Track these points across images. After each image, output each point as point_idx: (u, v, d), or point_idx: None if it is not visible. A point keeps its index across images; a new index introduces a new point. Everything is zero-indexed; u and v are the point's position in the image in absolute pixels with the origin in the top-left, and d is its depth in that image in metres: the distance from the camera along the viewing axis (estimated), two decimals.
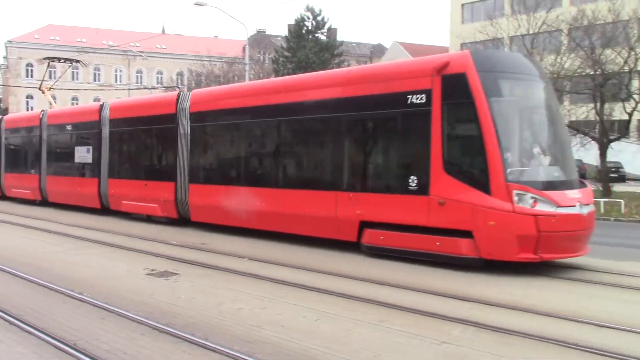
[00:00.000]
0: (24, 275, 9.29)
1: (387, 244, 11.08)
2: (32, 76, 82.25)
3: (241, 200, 14.04)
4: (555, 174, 10.48)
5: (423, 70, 10.76)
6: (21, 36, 70.72)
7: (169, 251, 11.79)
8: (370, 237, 11.36)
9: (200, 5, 32.64)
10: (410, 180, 10.70)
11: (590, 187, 11.31)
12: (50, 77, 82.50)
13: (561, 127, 11.61)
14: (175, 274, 9.59)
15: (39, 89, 31.51)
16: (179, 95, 16.54)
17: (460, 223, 10.01)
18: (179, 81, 70.23)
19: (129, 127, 18.33)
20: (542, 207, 9.55)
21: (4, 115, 28.24)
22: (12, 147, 25.44)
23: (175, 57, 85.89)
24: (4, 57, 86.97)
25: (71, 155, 20.45)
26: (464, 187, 10.02)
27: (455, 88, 10.24)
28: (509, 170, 9.69)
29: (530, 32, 29.93)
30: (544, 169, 10.33)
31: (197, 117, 15.61)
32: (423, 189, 10.47)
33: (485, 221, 9.73)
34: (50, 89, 30.60)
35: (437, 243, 10.27)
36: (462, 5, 55.47)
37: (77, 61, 32.84)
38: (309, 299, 7.93)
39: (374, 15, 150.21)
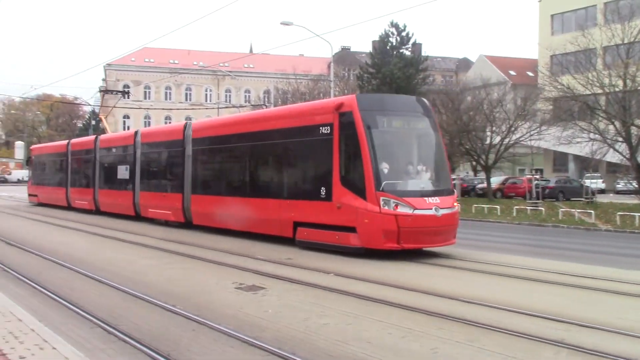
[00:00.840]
0: (120, 287, 9.74)
1: (310, 239, 14.46)
2: (128, 97, 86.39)
3: (222, 207, 18.16)
4: (419, 185, 13.72)
5: (328, 108, 14.36)
6: (119, 59, 74.43)
7: (256, 266, 12.02)
8: (300, 233, 14.75)
9: (286, 24, 33.35)
10: (321, 190, 14.10)
11: (453, 196, 14.18)
12: (145, 98, 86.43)
13: (435, 150, 14.53)
14: (263, 288, 9.77)
15: (98, 117, 38.69)
16: (185, 125, 21.22)
17: (349, 221, 13.32)
18: (266, 99, 71.71)
19: (153, 150, 23.15)
20: (402, 210, 12.72)
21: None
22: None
23: (262, 76, 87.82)
24: (103, 80, 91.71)
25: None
26: (352, 195, 13.32)
27: (346, 122, 13.60)
28: (378, 182, 12.83)
29: (625, 41, 28.71)
30: (407, 182, 13.52)
31: (196, 142, 20.06)
32: (328, 196, 13.88)
33: (363, 219, 13.00)
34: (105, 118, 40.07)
35: (337, 237, 13.69)
36: (552, 16, 53.74)
37: (127, 92, 43.23)
38: (394, 316, 7.88)
39: (460, 29, 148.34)
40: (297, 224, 14.84)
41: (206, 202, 19.08)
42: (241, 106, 63.48)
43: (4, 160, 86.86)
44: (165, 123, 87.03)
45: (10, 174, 79.22)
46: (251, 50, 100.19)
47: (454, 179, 35.41)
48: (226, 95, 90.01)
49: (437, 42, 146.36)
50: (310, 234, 14.43)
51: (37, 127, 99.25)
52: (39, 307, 8.44)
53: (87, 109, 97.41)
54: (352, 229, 13.28)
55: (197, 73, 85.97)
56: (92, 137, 29.60)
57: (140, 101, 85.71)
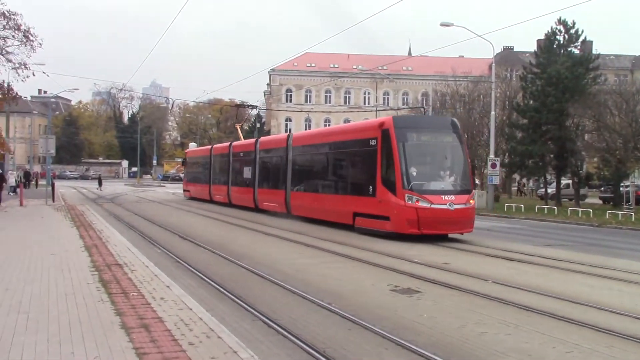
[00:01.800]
0: (280, 283, 10.12)
1: (363, 225, 18.78)
2: (290, 101, 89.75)
3: (310, 201, 23.01)
4: (438, 186, 17.47)
5: (374, 125, 18.89)
6: (282, 64, 77.72)
7: (412, 269, 11.94)
8: (357, 221, 19.17)
9: (446, 25, 32.75)
10: (369, 189, 18.44)
11: (469, 195, 17.67)
12: (306, 102, 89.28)
13: (457, 158, 18.30)
14: (418, 291, 9.68)
15: (235, 126, 45.60)
16: (288, 135, 26.57)
17: (386, 212, 17.52)
18: (424, 101, 71.10)
19: (267, 155, 28.39)
20: (422, 204, 16.68)
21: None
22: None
23: (421, 78, 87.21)
24: (267, 84, 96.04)
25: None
26: (388, 192, 17.46)
27: (385, 137, 17.74)
28: (405, 182, 16.97)
29: None
30: (429, 183, 17.40)
31: (294, 150, 24.95)
32: (374, 193, 18.20)
33: (393, 211, 17.19)
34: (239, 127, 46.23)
35: (379, 223, 17.92)
36: None
37: (254, 107, 54.08)
38: (558, 329, 7.41)
39: (637, 24, 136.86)
40: (355, 214, 19.24)
41: (300, 197, 24.01)
42: (399, 109, 63.45)
43: (179, 159, 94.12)
44: (325, 125, 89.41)
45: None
46: (410, 53, 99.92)
47: (627, 186, 32.99)
48: (384, 98, 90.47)
49: (610, 39, 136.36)
50: (364, 222, 18.81)
51: (208, 130, 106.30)
52: (207, 297, 9.01)
53: (254, 112, 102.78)
54: (387, 218, 17.49)
55: (356, 76, 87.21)
56: (227, 143, 36.29)
57: (302, 104, 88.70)
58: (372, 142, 18.37)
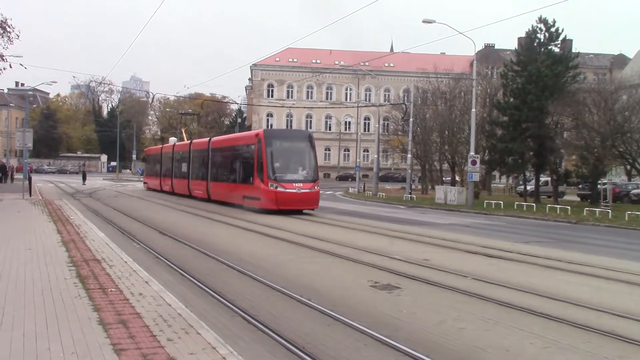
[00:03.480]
0: (260, 279, 10.08)
1: (247, 204, 26.44)
2: (272, 96, 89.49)
3: (219, 188, 31.40)
4: (291, 177, 25.01)
5: (252, 136, 27.15)
6: (264, 59, 77.36)
7: (393, 265, 11.95)
8: (244, 202, 27.00)
9: (428, 22, 32.82)
10: (250, 179, 26.17)
11: (314, 183, 25.53)
12: (287, 97, 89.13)
13: (307, 158, 26.23)
14: (398, 287, 9.69)
15: (181, 130, 56.30)
16: (209, 139, 34.80)
17: (258, 195, 25.29)
18: (405, 98, 71.19)
19: (198, 154, 35.68)
20: (279, 189, 24.40)
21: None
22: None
23: (402, 75, 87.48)
24: (249, 79, 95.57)
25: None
26: (259, 180, 25.08)
27: (259, 144, 25.27)
28: (270, 174, 24.61)
29: None
30: (285, 175, 24.93)
31: (212, 150, 33.21)
32: (252, 182, 25.88)
33: (262, 194, 24.93)
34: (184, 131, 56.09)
35: (255, 202, 25.63)
36: None
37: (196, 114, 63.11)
38: (537, 325, 7.46)
39: (616, 23, 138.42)
40: (243, 197, 27.02)
41: (214, 186, 31.98)
42: (380, 105, 63.54)
43: None
44: (307, 121, 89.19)
45: None
46: (392, 49, 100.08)
47: (604, 184, 33.35)
48: (366, 94, 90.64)
49: (589, 37, 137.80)
50: (247, 202, 26.51)
51: (188, 124, 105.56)
52: (186, 293, 8.95)
53: (234, 107, 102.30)
54: (259, 199, 25.39)
55: (338, 72, 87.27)
56: (171, 144, 43.62)
57: (283, 100, 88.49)
58: (252, 147, 26.10)
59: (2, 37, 25.46)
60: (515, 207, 31.76)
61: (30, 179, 34.22)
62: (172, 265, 11.43)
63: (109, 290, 8.20)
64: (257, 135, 26.10)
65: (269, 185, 24.48)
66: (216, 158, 32.57)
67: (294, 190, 24.49)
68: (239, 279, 10.33)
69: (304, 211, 25.57)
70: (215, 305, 8.29)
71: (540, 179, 41.10)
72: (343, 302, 8.55)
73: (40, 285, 8.46)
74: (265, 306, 8.25)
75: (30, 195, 31.20)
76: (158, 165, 45.50)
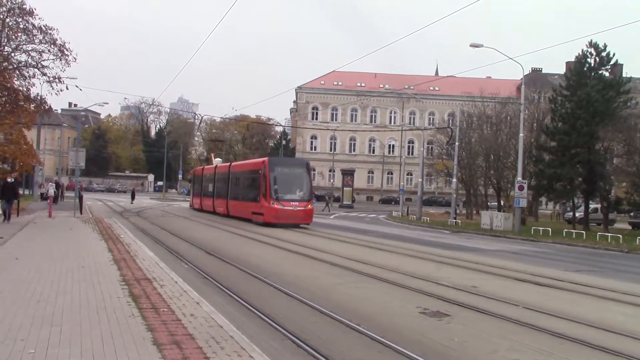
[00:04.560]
0: (309, 302, 10.08)
1: (254, 219, 31.18)
2: (316, 118, 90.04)
3: (236, 205, 36.10)
4: (290, 197, 29.81)
5: (259, 163, 32.55)
6: (309, 82, 78.11)
7: (441, 291, 11.80)
8: (252, 217, 31.57)
9: (476, 46, 32.68)
10: (257, 197, 31.07)
11: (308, 202, 30.47)
12: (331, 120, 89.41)
13: (304, 182, 30.98)
14: (447, 315, 9.57)
15: (209, 155, 58.25)
16: (230, 164, 40.54)
17: (262, 211, 30.24)
18: (450, 122, 70.70)
19: (221, 176, 40.55)
20: (279, 207, 29.32)
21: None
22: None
23: (447, 99, 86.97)
24: (294, 102, 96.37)
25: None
26: (264, 200, 29.95)
27: (265, 168, 30.48)
28: (272, 194, 29.56)
29: None
30: (284, 194, 29.73)
31: (232, 173, 37.97)
32: (259, 200, 30.70)
33: (265, 210, 29.90)
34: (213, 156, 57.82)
35: (259, 217, 30.50)
36: None
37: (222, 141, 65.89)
38: (593, 359, 7.27)
39: None
40: (252, 213, 31.50)
41: (233, 204, 36.55)
42: (425, 129, 63.25)
43: None
44: (350, 144, 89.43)
45: None
46: (437, 73, 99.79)
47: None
48: (410, 118, 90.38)
49: None
50: (254, 217, 31.03)
51: (233, 145, 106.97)
52: (236, 315, 9.01)
53: (279, 129, 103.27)
54: (262, 214, 29.92)
55: (382, 96, 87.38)
56: (202, 167, 52.22)
57: (328, 122, 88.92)
58: (259, 172, 31.13)
59: (60, 59, 26.25)
60: (564, 235, 31.04)
61: (81, 198, 35.08)
62: (220, 287, 11.54)
63: (161, 310, 8.32)
64: (263, 162, 31.61)
65: (271, 202, 29.38)
66: (233, 180, 37.34)
67: (291, 208, 29.43)
68: (287, 301, 10.36)
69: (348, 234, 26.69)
70: (265, 328, 8.33)
71: (590, 205, 40.14)
72: (392, 329, 8.49)
73: (95, 303, 8.64)
74: (314, 330, 8.24)
75: (81, 213, 32.01)
76: (198, 186, 49.68)
